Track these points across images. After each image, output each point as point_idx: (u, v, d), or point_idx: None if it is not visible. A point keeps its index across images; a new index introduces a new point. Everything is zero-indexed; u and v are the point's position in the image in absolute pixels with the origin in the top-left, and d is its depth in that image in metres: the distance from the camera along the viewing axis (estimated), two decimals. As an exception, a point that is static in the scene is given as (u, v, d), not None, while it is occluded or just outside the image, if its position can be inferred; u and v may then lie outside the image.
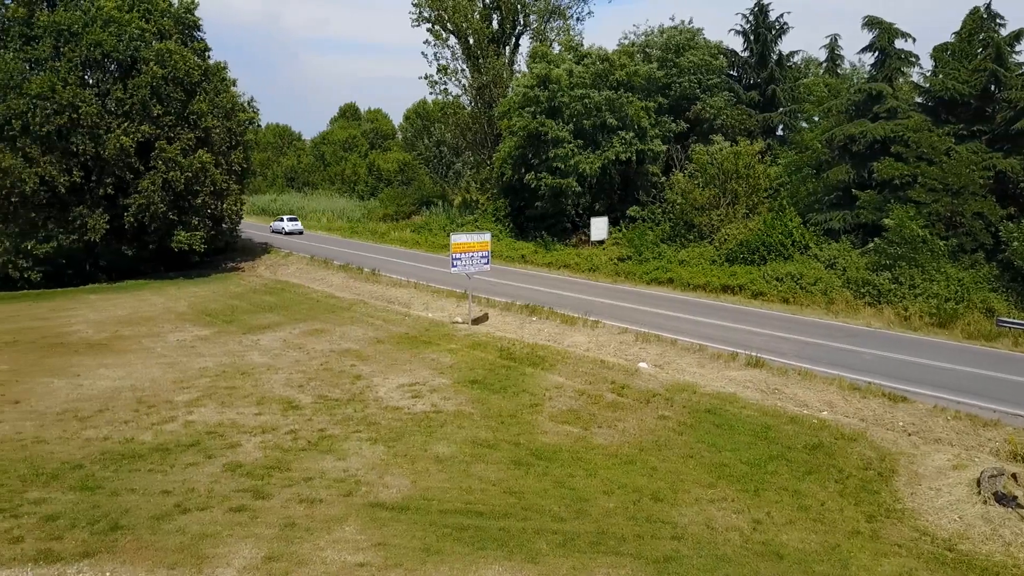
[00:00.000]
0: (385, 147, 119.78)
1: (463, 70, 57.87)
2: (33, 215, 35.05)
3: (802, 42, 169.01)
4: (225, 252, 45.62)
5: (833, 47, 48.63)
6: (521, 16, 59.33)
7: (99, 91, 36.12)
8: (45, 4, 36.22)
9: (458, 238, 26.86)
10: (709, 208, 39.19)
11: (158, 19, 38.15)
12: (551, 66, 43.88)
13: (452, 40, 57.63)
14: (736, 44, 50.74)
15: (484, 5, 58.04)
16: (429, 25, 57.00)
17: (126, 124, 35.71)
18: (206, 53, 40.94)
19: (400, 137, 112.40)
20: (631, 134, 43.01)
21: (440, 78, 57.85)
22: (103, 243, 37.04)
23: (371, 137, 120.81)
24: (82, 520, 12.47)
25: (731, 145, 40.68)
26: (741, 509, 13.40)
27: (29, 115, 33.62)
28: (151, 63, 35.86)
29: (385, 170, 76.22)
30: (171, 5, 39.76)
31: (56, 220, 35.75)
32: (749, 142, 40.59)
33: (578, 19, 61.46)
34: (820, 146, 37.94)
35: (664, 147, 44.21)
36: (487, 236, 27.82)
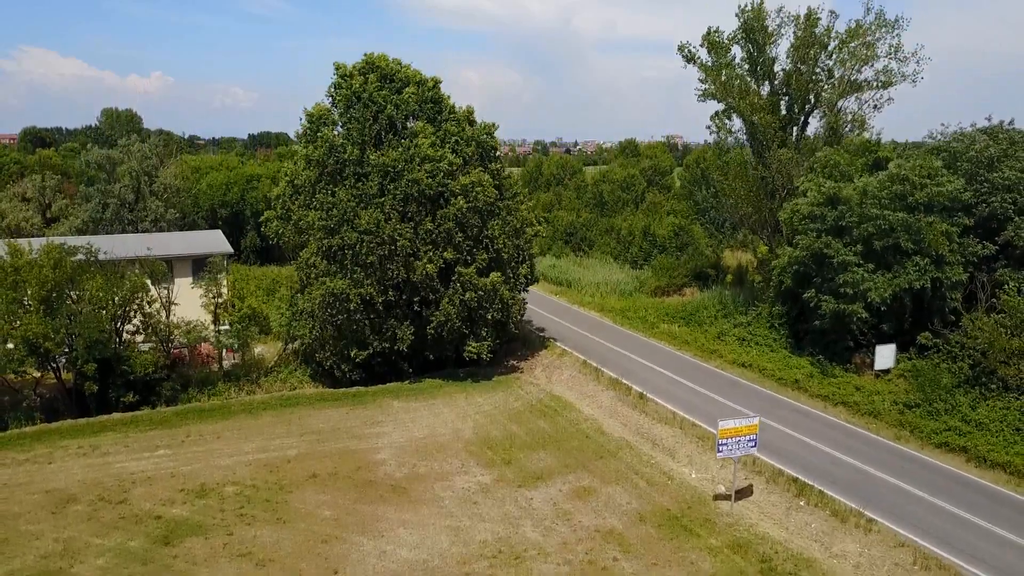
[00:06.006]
0: (664, 184, 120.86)
1: (747, 157, 57.20)
2: (355, 328, 41.12)
3: None
4: (508, 343, 49.50)
5: None
6: (812, 95, 56.78)
7: (413, 223, 41.22)
8: (374, 144, 42.09)
9: (725, 424, 27.40)
10: (1022, 358, 35.05)
11: (463, 149, 42.60)
12: (840, 185, 41.94)
13: (737, 124, 57.02)
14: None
15: (771, 89, 56.51)
16: (715, 103, 56.86)
17: (431, 251, 40.59)
18: (502, 175, 44.84)
19: (679, 184, 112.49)
20: (927, 260, 39.70)
21: (723, 136, 58.06)
22: (408, 348, 42.33)
23: (649, 174, 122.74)
24: None
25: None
26: None
27: (358, 246, 39.56)
28: (458, 196, 40.36)
29: (659, 236, 77.00)
30: (475, 132, 44.01)
31: (372, 330, 41.58)
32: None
33: (875, 107, 56.80)
34: None
35: (964, 275, 40.09)
36: (755, 420, 28.06)
